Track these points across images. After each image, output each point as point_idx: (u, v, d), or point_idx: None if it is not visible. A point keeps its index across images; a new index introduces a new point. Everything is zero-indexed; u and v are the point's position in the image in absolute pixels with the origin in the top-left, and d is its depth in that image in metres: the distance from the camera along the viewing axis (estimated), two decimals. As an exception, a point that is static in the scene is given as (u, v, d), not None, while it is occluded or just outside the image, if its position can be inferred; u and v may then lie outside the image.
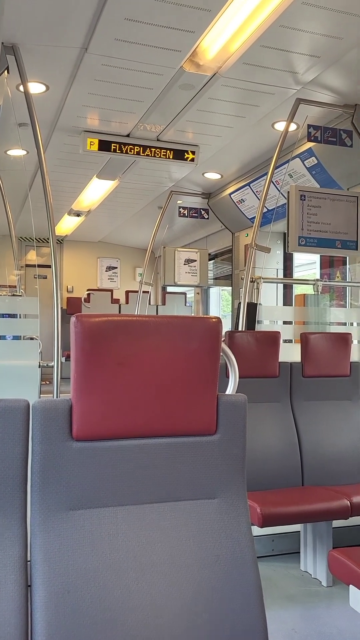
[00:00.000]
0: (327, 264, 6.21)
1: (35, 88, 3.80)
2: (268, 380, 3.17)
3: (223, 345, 1.55)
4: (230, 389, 2.05)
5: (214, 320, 1.34)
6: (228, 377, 2.17)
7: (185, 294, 9.05)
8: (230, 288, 7.49)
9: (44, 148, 3.42)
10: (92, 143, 4.58)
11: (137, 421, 1.28)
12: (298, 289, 6.33)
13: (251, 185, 5.85)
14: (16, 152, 5.00)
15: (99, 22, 2.98)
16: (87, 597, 1.18)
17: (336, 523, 2.85)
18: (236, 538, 1.30)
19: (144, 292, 7.50)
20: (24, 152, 4.83)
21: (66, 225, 8.36)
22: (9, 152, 5.01)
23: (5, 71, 3.38)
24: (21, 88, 3.44)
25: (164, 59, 3.39)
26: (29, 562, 1.21)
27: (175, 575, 1.24)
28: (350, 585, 1.84)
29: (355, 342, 4.01)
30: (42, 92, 3.88)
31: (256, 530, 2.68)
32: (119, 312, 8.35)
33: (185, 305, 8.95)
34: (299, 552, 2.96)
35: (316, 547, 2.83)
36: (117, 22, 2.98)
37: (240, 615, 1.25)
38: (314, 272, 6.69)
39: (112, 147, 4.66)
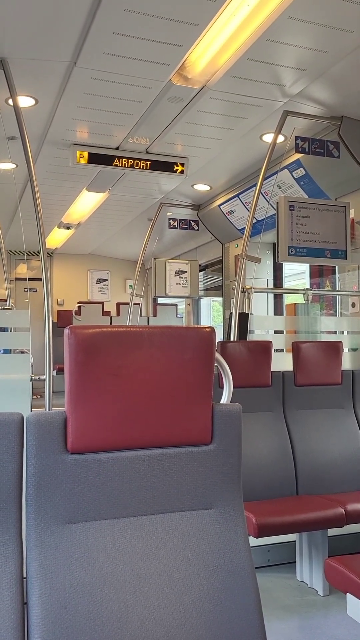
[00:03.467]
0: (317, 274, 6.25)
1: (25, 102, 3.81)
2: (260, 389, 3.17)
3: (217, 355, 1.56)
4: (224, 399, 2.05)
5: (207, 330, 1.34)
6: (221, 387, 2.17)
7: (176, 305, 9.06)
8: (221, 298, 7.51)
9: (33, 161, 3.43)
10: (81, 156, 4.60)
11: (132, 432, 1.27)
12: (288, 299, 6.36)
13: (240, 196, 5.89)
14: (5, 166, 5.00)
15: (88, 36, 3.01)
16: (85, 611, 1.16)
17: (332, 531, 2.85)
18: (234, 548, 1.29)
19: (135, 304, 7.50)
20: (14, 166, 4.84)
21: (56, 238, 8.36)
22: (-2, 166, 5.01)
23: (-6, 85, 3.40)
24: (10, 102, 3.45)
25: (153, 73, 3.42)
26: (24, 579, 1.20)
27: (173, 587, 1.23)
28: (347, 594, 1.84)
29: (345, 350, 4.03)
30: (32, 105, 3.90)
31: (252, 541, 2.67)
32: (110, 324, 8.33)
33: (177, 316, 8.96)
34: (295, 562, 2.95)
35: (312, 556, 2.82)
36: (106, 36, 3.00)
37: (240, 626, 1.24)
38: (304, 281, 6.73)
39: (102, 160, 4.68)
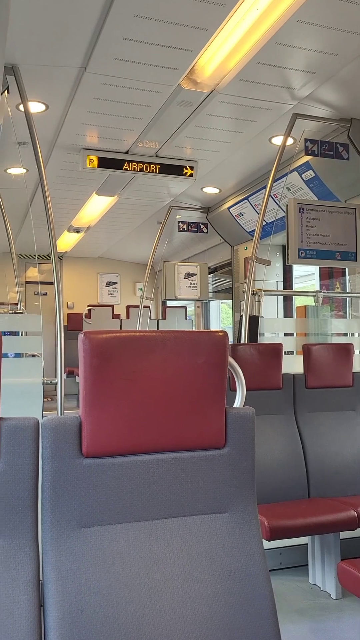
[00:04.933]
0: (327, 275, 6.23)
1: (35, 107, 3.84)
2: (271, 392, 3.17)
3: (230, 359, 1.56)
4: (238, 402, 2.06)
5: (220, 334, 1.35)
6: (232, 389, 2.18)
7: (185, 307, 9.07)
8: (230, 301, 7.51)
9: (44, 166, 3.46)
10: (91, 160, 4.62)
11: (147, 437, 1.28)
12: (298, 301, 6.35)
13: (249, 199, 5.89)
14: (16, 171, 5.04)
15: (98, 42, 3.03)
16: (101, 615, 1.17)
17: (344, 534, 2.84)
18: (248, 552, 1.30)
19: (144, 306, 7.51)
20: (24, 171, 4.87)
21: (66, 241, 8.40)
22: (9, 171, 5.06)
23: (6, 91, 3.43)
24: (21, 107, 3.48)
25: (162, 77, 3.44)
26: (41, 582, 1.21)
27: (188, 591, 1.23)
28: (361, 598, 1.84)
29: (357, 352, 4.02)
30: (42, 111, 3.93)
31: (264, 544, 2.67)
32: (120, 327, 8.36)
33: (186, 319, 8.97)
34: (307, 565, 2.94)
35: (324, 559, 2.82)
36: (116, 41, 3.02)
37: (255, 630, 1.24)
38: (313, 283, 6.72)
39: (111, 164, 4.70)
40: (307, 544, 2.97)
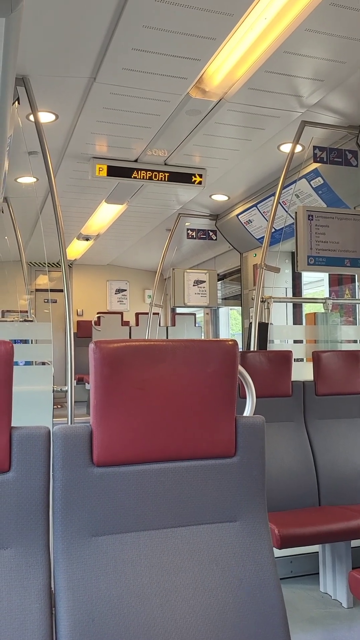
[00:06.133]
0: (336, 282, 6.22)
1: (45, 117, 3.88)
2: (281, 399, 3.17)
3: (240, 367, 1.57)
4: (247, 411, 2.06)
5: (230, 343, 1.36)
6: (241, 396, 2.18)
7: (194, 314, 9.07)
8: (240, 307, 7.50)
9: (54, 175, 3.49)
10: (100, 169, 4.65)
11: (157, 445, 1.29)
12: (308, 308, 6.34)
13: (258, 206, 5.90)
14: (26, 180, 5.09)
15: (107, 53, 3.06)
16: (112, 624, 1.17)
17: (355, 543, 2.82)
18: (259, 561, 1.29)
19: (154, 314, 7.53)
20: (34, 180, 4.92)
21: (75, 249, 8.45)
22: (19, 180, 5.10)
23: (16, 102, 3.47)
24: (31, 118, 3.51)
25: (171, 87, 3.46)
26: (52, 590, 1.21)
27: (199, 600, 1.23)
28: (373, 607, 1.82)
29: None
30: (52, 121, 3.96)
31: (274, 552, 2.66)
32: (130, 334, 8.37)
33: (195, 325, 8.97)
34: (318, 573, 2.92)
35: (335, 567, 2.80)
36: (125, 52, 3.05)
37: (266, 639, 1.24)
38: (323, 289, 6.71)
39: (121, 172, 4.73)
40: (318, 552, 2.95)
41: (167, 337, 7.95)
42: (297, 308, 6.65)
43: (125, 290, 10.11)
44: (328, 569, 2.85)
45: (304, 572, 3.05)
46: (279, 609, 1.27)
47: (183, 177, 4.88)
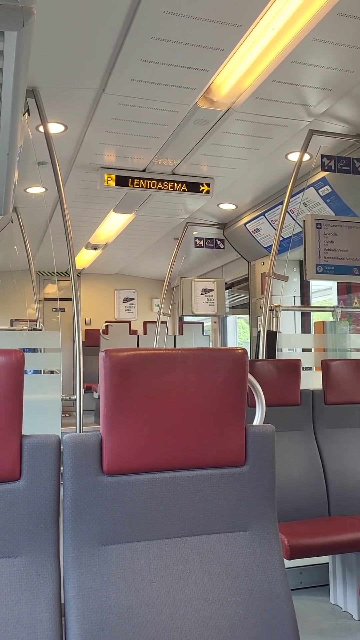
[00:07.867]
0: (345, 290, 6.20)
1: (55, 128, 3.92)
2: (290, 408, 3.15)
3: (250, 376, 1.57)
4: (257, 419, 2.05)
5: (239, 351, 1.36)
6: (250, 405, 2.17)
7: (202, 323, 9.07)
8: (247, 316, 7.50)
9: (63, 185, 3.51)
10: (109, 179, 4.68)
11: (167, 454, 1.28)
12: (316, 316, 6.32)
13: (266, 214, 5.91)
14: (36, 190, 5.13)
15: (116, 64, 3.09)
16: (122, 634, 1.17)
17: (365, 554, 2.79)
18: (269, 571, 1.29)
19: (161, 322, 7.53)
20: (44, 190, 4.95)
21: (83, 258, 8.49)
22: (28, 190, 5.14)
23: (26, 113, 3.50)
24: (41, 129, 3.55)
25: (179, 97, 3.48)
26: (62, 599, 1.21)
27: (210, 611, 1.23)
28: (385, 619, 1.80)
29: (376, 368, 3.97)
30: (61, 131, 4.00)
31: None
32: (137, 343, 8.37)
33: (203, 334, 8.97)
34: (329, 585, 2.89)
35: (346, 579, 2.77)
36: (134, 63, 3.08)
37: (277, 651, 1.23)
38: (331, 297, 6.69)
39: (129, 182, 4.76)
40: (328, 563, 2.92)
41: (175, 346, 7.95)
42: (305, 316, 6.63)
43: (133, 299, 10.13)
44: (338, 581, 2.82)
45: (314, 584, 3.02)
46: (290, 620, 1.26)
47: (191, 187, 4.90)
